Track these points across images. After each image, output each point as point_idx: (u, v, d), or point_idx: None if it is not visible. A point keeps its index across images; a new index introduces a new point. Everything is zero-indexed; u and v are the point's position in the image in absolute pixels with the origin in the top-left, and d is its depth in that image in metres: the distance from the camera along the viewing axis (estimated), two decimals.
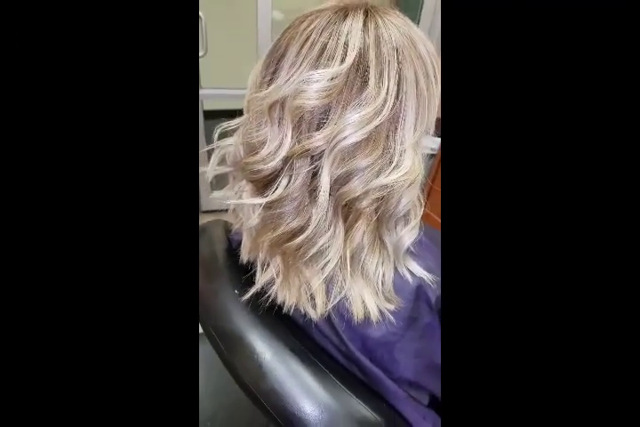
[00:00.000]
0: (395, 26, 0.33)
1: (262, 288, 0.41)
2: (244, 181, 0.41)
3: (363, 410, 0.36)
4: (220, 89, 1.47)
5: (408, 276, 0.38)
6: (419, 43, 0.34)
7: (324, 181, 0.33)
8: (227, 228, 0.55)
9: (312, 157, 0.34)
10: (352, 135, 0.32)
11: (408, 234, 0.37)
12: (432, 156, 1.44)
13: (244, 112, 0.40)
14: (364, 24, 0.32)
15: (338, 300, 0.37)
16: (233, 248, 0.49)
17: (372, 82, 0.31)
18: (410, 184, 0.35)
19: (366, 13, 0.33)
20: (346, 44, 0.31)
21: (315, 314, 0.38)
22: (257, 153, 0.36)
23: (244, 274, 0.45)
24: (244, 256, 0.44)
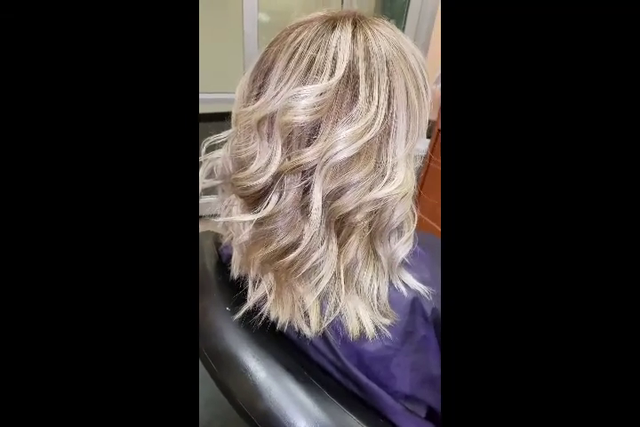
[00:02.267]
0: (384, 37, 0.33)
1: (255, 305, 0.40)
2: (233, 195, 0.40)
3: None
4: (206, 93, 1.45)
5: (403, 289, 0.37)
6: (408, 54, 0.33)
7: (316, 197, 0.32)
8: (216, 240, 0.53)
9: (303, 172, 0.33)
10: (343, 151, 0.31)
11: (402, 246, 0.37)
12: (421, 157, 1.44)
13: (232, 125, 0.39)
14: (353, 36, 0.32)
15: (333, 317, 0.36)
16: (223, 262, 0.48)
17: (362, 96, 0.31)
18: (403, 197, 0.34)
19: (355, 24, 0.32)
20: (335, 58, 0.31)
21: (309, 331, 0.38)
22: (246, 169, 0.35)
23: (236, 290, 0.44)
24: (235, 272, 0.43)
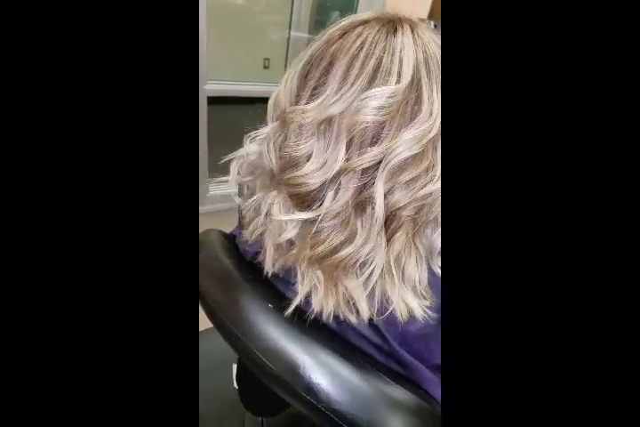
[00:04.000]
0: (433, 40, 0.35)
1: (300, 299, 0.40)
2: (273, 193, 0.39)
3: (413, 399, 0.40)
4: None
5: (439, 273, 0.41)
6: None
7: (379, 196, 0.34)
8: (226, 238, 0.52)
9: (363, 171, 0.34)
10: (406, 151, 0.33)
11: (439, 237, 0.40)
12: None
13: (269, 121, 0.39)
14: (414, 39, 0.33)
15: (388, 311, 0.38)
16: (248, 260, 0.47)
17: (425, 98, 0.32)
18: None
19: (411, 28, 0.34)
20: (401, 61, 0.32)
21: (357, 320, 0.40)
22: (300, 167, 0.35)
23: (271, 287, 0.44)
24: (269, 268, 0.43)
